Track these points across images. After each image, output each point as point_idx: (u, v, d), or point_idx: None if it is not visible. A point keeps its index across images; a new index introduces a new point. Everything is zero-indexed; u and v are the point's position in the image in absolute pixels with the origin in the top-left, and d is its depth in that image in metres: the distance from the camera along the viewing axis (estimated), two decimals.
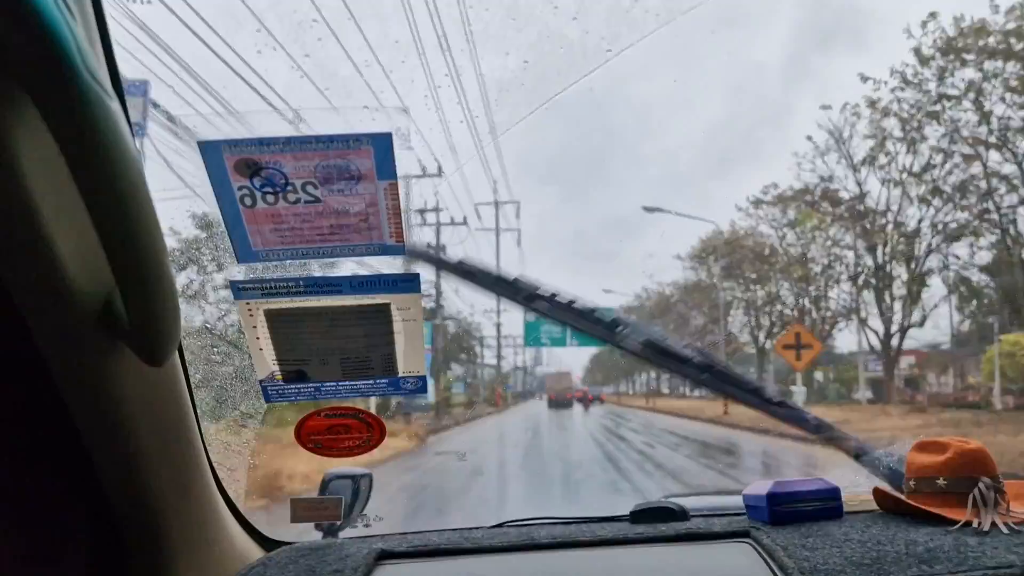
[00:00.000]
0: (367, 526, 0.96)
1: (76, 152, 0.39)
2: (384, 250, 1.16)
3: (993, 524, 0.68)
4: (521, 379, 60.42)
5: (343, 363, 1.08)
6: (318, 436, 0.99)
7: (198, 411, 0.73)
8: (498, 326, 27.26)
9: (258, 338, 1.01)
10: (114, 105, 0.41)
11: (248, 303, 0.99)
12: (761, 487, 0.79)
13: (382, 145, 1.12)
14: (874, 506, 0.81)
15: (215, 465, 0.76)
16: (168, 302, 0.51)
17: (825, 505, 0.77)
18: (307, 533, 0.89)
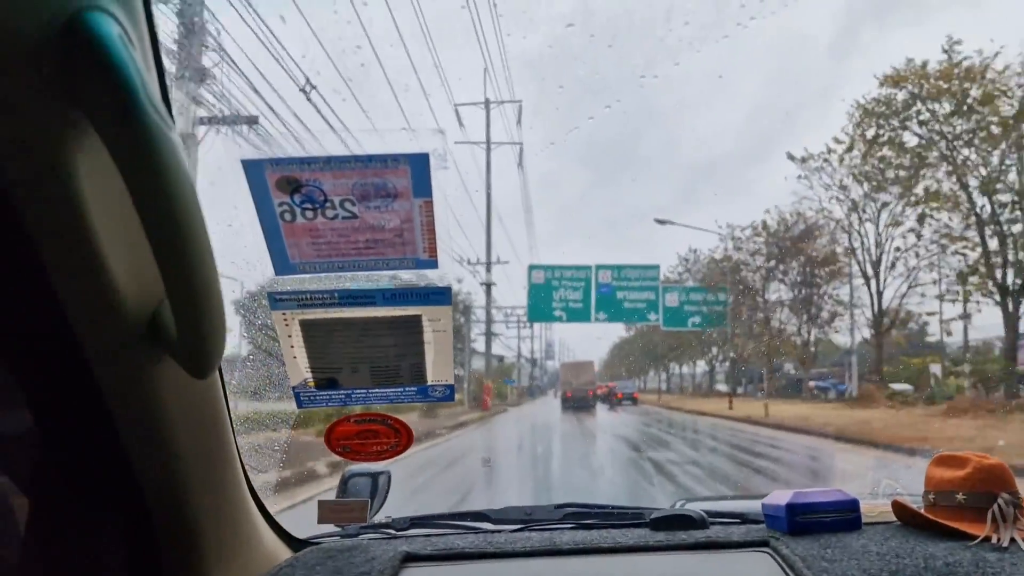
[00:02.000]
0: (389, 522, 1.00)
1: (138, 182, 0.43)
2: (418, 264, 1.22)
3: (1012, 540, 0.71)
4: (527, 374, 56.34)
5: (373, 371, 1.13)
6: (347, 441, 1.04)
7: (232, 416, 0.77)
8: (487, 288, 22.16)
9: (292, 347, 1.05)
10: (174, 136, 0.45)
11: (284, 313, 1.03)
12: (781, 497, 0.83)
13: (418, 164, 1.17)
14: (893, 518, 0.85)
15: (247, 467, 0.80)
16: (216, 320, 0.55)
17: (844, 516, 0.81)
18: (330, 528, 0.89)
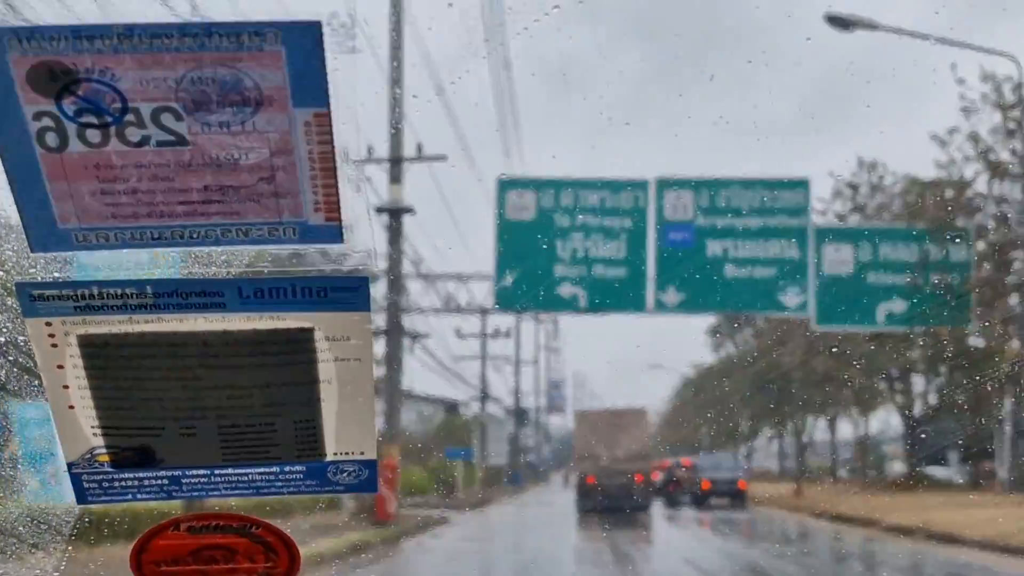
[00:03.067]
0: None
1: None
2: (305, 232, 0.92)
3: None
4: (503, 438, 49.17)
5: (223, 435, 0.83)
6: (175, 568, 0.75)
7: None
8: (392, 221, 18.74)
9: (66, 386, 0.78)
10: None
11: (49, 322, 0.78)
12: None
13: (302, 43, 0.84)
14: None
15: None
16: None
17: None
18: None
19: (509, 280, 19.94)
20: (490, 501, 34.75)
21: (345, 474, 0.84)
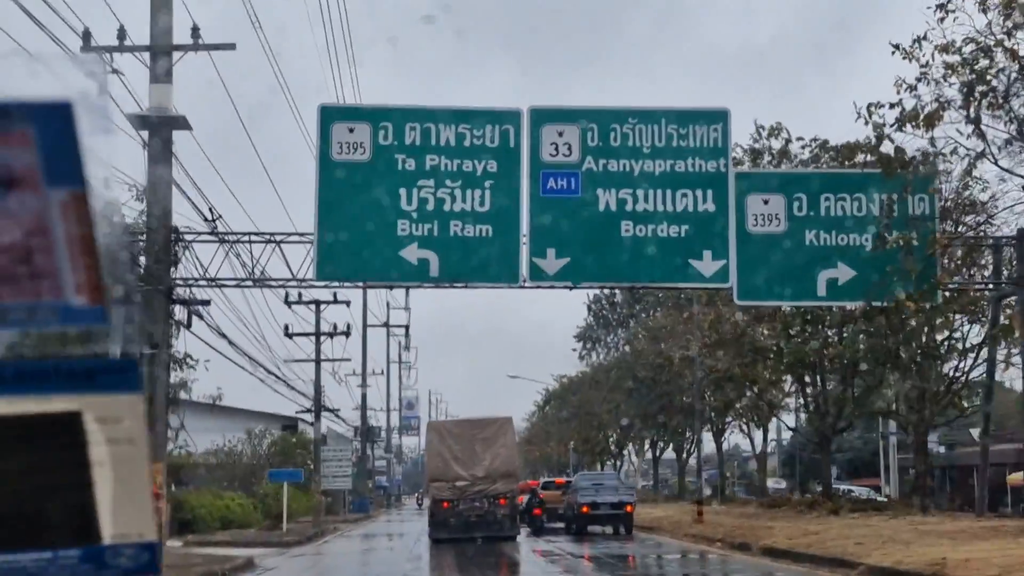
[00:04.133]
0: None
1: None
2: (66, 315, 1.22)
3: None
4: (343, 460, 51.92)
5: None
6: None
7: None
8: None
9: None
10: None
11: None
12: None
13: (54, 124, 1.19)
14: None
15: None
16: None
17: None
18: None
19: (335, 241, 19.77)
20: (325, 534, 36.32)
21: (123, 557, 1.13)
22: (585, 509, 32.48)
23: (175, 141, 19.49)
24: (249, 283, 20.78)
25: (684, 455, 60.01)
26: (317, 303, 38.35)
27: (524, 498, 37.43)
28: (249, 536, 32.24)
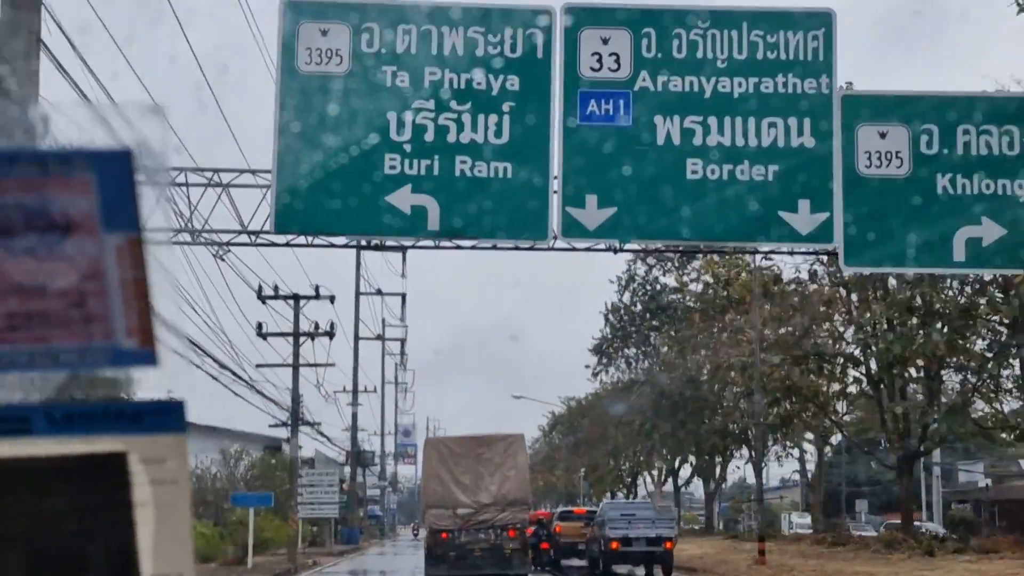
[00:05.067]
0: None
1: None
2: (117, 358, 1.67)
3: None
4: (325, 485, 55.02)
5: (32, 564, 1.59)
6: None
7: None
8: None
9: None
10: None
11: None
12: None
13: (113, 171, 1.62)
14: None
15: None
16: None
17: None
18: None
19: (299, 181, 19.74)
20: (299, 570, 39.54)
21: None
22: (615, 545, 34.51)
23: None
24: (186, 237, 20.72)
25: (713, 483, 64.03)
26: (296, 297, 41.70)
27: (531, 530, 39.88)
28: (202, 573, 34.15)
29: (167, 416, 1.51)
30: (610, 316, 76.15)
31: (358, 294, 67.82)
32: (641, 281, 73.79)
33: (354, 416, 67.28)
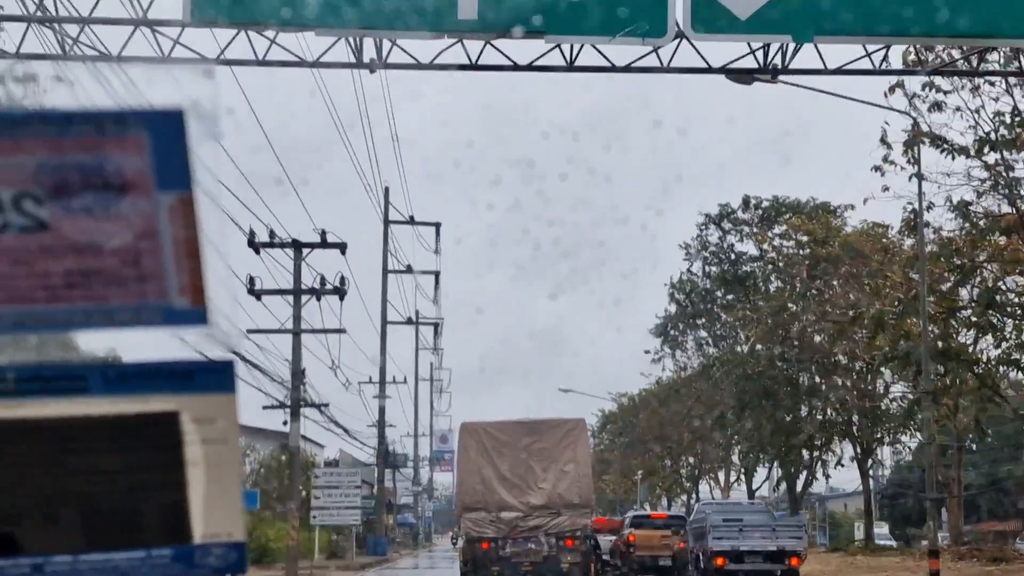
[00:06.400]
0: None
1: None
2: (169, 316, 1.69)
3: None
4: (363, 484, 53.11)
5: (88, 521, 1.61)
6: None
7: None
8: None
9: None
10: None
11: None
12: None
13: (167, 131, 1.64)
14: None
15: None
16: None
17: None
18: None
19: None
20: None
21: (213, 557, 1.57)
22: (720, 562, 28.19)
23: None
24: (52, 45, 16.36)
25: (801, 484, 59.43)
26: (298, 245, 34.81)
27: (607, 538, 35.60)
28: None
29: (217, 375, 1.55)
30: (675, 292, 69.33)
31: (385, 271, 60.95)
32: (715, 249, 67.28)
33: (381, 410, 60.50)
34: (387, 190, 58.86)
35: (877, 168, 29.97)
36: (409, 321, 68.99)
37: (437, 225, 62.49)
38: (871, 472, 64.20)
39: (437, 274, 65.87)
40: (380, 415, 60.21)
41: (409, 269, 63.17)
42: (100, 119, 1.45)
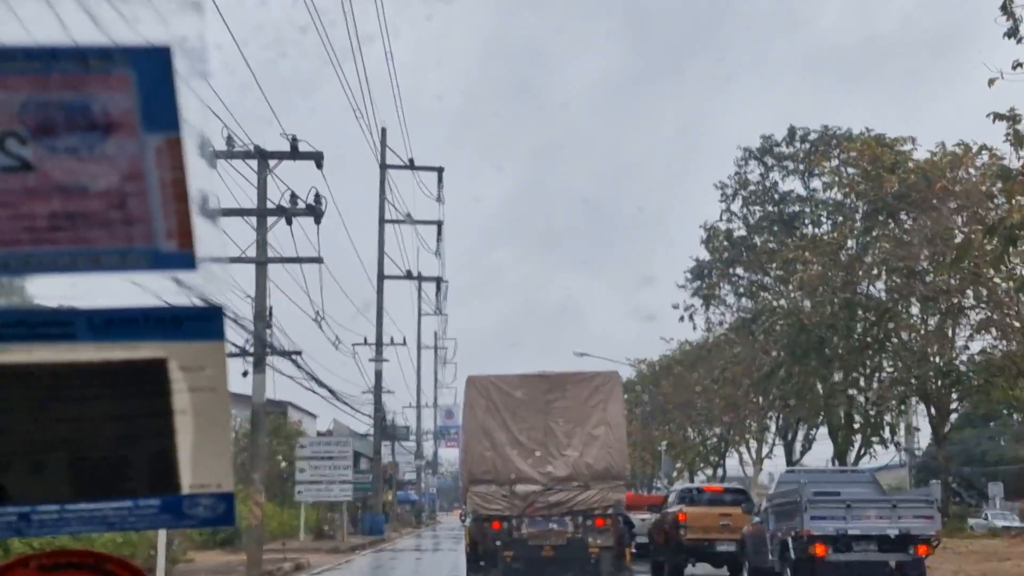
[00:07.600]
0: None
1: None
2: (156, 260, 1.64)
3: None
4: (361, 457, 53.34)
5: (75, 469, 1.57)
6: None
7: None
8: None
9: None
10: None
11: None
12: None
13: (152, 68, 1.58)
14: None
15: None
16: None
17: None
18: None
19: None
20: None
21: (201, 507, 1.54)
22: (821, 549, 20.69)
23: None
24: None
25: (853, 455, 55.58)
26: (263, 155, 29.58)
27: (644, 515, 32.04)
28: None
29: (206, 322, 1.52)
30: (710, 237, 61.33)
31: (382, 220, 55.70)
32: (755, 188, 60.97)
33: (378, 374, 55.12)
34: (384, 131, 54.34)
35: (1011, 34, 22.39)
36: (409, 275, 61.33)
37: (439, 170, 57.54)
38: (907, 445, 60.30)
39: (440, 224, 59.74)
40: (376, 379, 55.47)
41: (409, 218, 57.16)
42: (84, 55, 1.41)
